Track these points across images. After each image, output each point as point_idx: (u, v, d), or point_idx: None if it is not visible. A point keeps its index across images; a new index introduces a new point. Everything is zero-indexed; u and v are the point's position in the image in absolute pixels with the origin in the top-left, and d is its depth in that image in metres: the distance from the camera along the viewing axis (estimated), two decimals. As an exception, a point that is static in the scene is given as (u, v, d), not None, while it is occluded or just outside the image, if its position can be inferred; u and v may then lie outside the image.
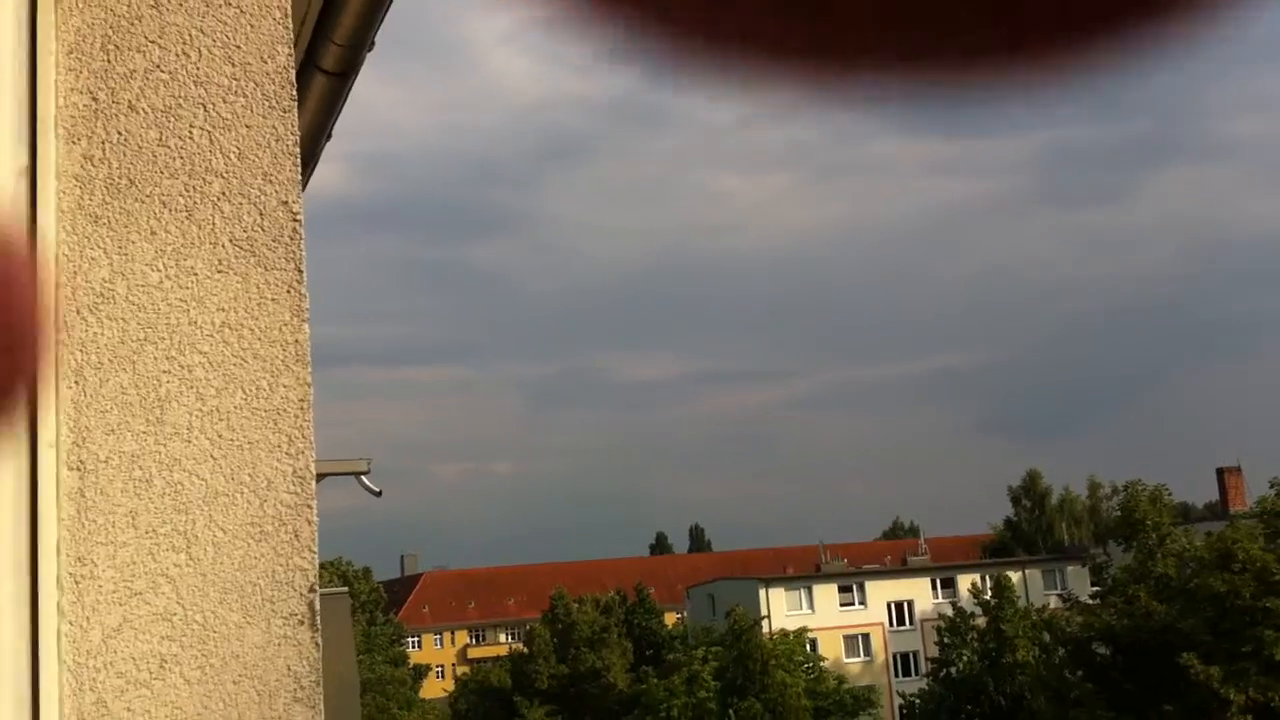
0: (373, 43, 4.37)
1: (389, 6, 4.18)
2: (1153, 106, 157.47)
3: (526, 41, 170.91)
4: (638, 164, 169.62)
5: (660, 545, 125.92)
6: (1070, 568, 56.75)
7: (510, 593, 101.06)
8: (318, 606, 2.53)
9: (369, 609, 71.82)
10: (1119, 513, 41.21)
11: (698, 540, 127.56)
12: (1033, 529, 78.56)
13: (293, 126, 2.66)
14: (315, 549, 2.55)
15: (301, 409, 2.57)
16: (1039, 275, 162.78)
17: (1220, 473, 62.11)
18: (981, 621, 44.32)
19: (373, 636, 66.35)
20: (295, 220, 2.62)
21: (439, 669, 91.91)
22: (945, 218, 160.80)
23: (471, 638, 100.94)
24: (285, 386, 2.56)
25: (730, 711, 50.17)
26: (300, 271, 2.61)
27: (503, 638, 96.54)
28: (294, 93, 2.68)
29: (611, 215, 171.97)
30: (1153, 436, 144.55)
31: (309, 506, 2.54)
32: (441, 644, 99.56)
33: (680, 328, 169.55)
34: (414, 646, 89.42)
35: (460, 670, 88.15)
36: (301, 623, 2.50)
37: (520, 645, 74.30)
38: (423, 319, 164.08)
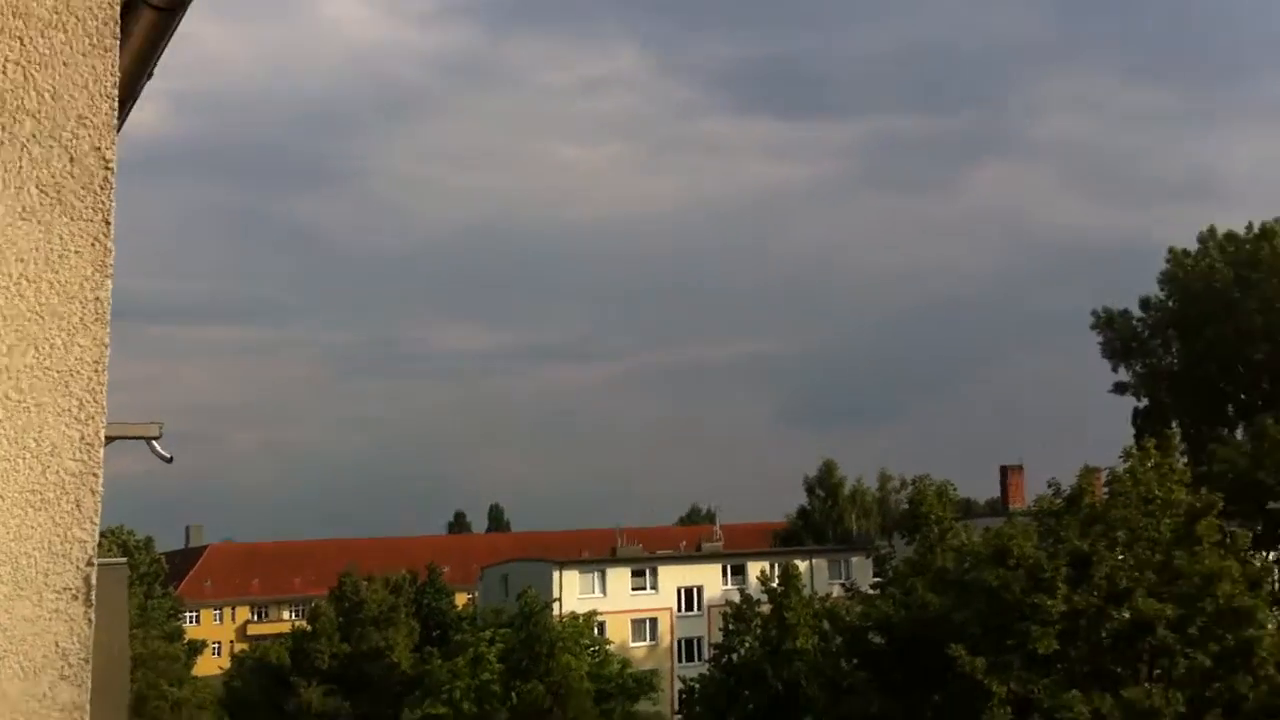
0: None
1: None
2: (974, 101, 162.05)
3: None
4: (473, 124, 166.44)
5: (458, 524, 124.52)
6: (855, 558, 57.74)
7: (298, 569, 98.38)
8: (94, 581, 2.43)
9: (147, 581, 69.20)
10: (906, 506, 41.81)
11: (497, 520, 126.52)
12: (824, 519, 79.95)
13: (113, 67, 2.55)
14: (97, 520, 2.44)
15: (96, 371, 2.44)
16: (856, 262, 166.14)
17: (1003, 470, 63.95)
18: (767, 609, 44.58)
19: (149, 610, 63.97)
20: (107, 169, 2.48)
21: (216, 646, 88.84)
22: (773, 198, 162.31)
23: (254, 614, 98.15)
24: (81, 346, 2.44)
25: (513, 694, 49.53)
26: (108, 224, 2.47)
27: (286, 615, 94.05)
28: (117, 30, 2.57)
29: (440, 175, 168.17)
30: (948, 431, 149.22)
31: (94, 475, 2.42)
32: (221, 620, 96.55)
33: (500, 298, 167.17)
34: (192, 622, 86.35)
35: (239, 647, 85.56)
36: (75, 597, 2.41)
37: (304, 623, 72.24)
38: (229, 275, 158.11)
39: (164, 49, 4.76)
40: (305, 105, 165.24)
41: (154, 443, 11.13)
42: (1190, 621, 28.95)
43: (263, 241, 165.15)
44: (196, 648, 71.04)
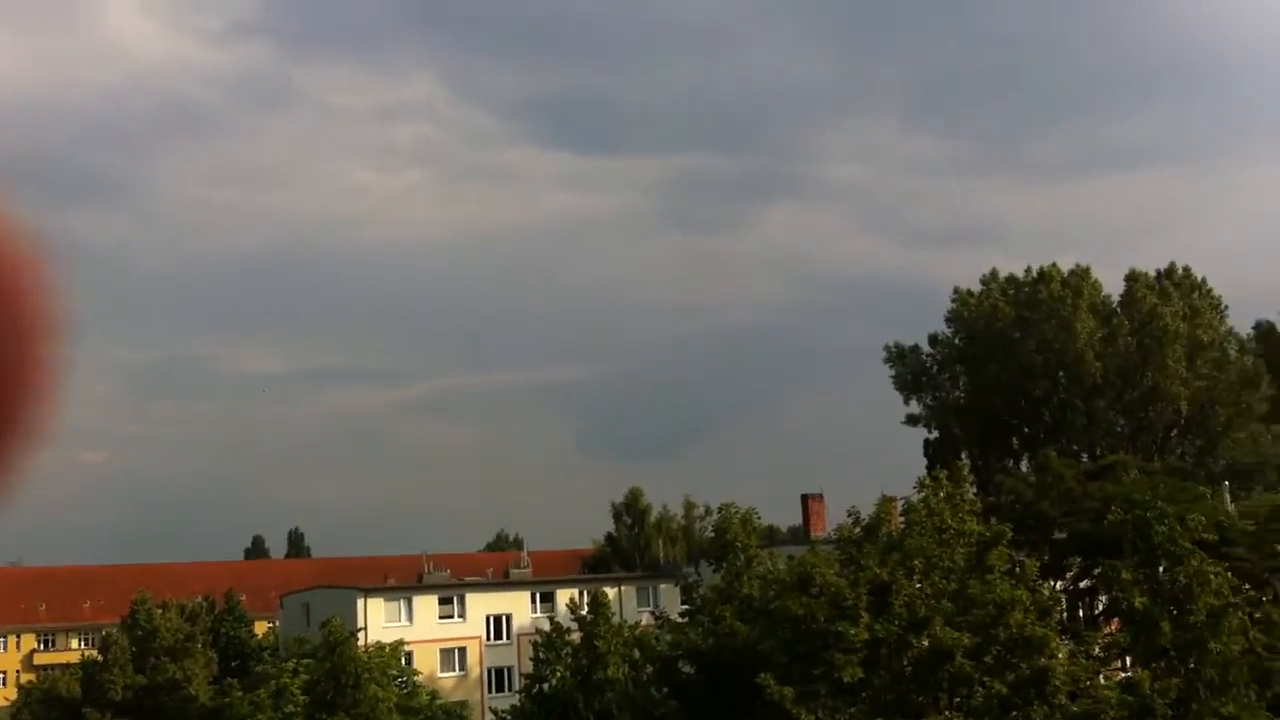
0: None
1: None
2: (768, 144, 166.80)
3: (154, 2, 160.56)
4: (264, 145, 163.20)
5: (256, 549, 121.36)
6: (664, 585, 58.64)
7: (87, 595, 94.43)
8: None
9: (-78, 610, 65.66)
10: (712, 533, 42.65)
11: (297, 545, 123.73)
12: (632, 545, 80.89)
13: None
14: None
15: None
16: (655, 296, 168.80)
17: (804, 498, 65.83)
18: (577, 637, 44.91)
19: (-76, 640, 60.66)
20: None
21: (0, 675, 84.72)
22: (571, 232, 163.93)
23: (40, 642, 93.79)
24: None
25: (318, 726, 48.69)
26: None
27: (75, 643, 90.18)
28: None
29: (230, 195, 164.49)
30: (748, 460, 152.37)
31: None
32: (5, 648, 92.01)
33: (297, 321, 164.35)
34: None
35: (25, 678, 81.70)
36: None
37: (94, 652, 69.49)
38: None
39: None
40: (86, 120, 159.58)
41: None
42: (986, 650, 30.26)
43: (48, 258, 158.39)
44: (-24, 681, 67.73)
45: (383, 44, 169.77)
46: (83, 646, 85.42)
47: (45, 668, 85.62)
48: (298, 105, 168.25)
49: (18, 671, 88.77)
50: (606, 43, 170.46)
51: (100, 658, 65.22)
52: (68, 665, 76.31)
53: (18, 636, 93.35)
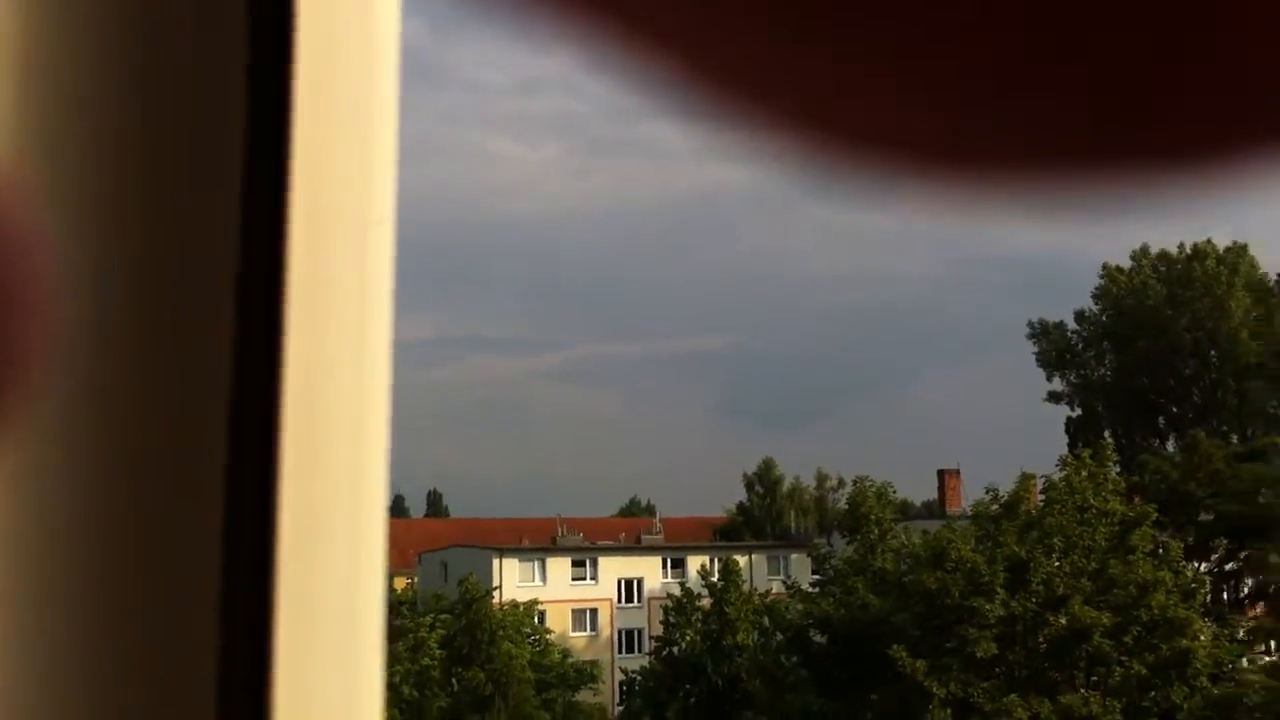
0: None
1: None
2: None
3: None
4: (407, 117, 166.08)
5: (396, 508, 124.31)
6: (795, 555, 58.53)
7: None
8: None
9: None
10: (845, 506, 42.51)
11: (435, 505, 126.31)
12: (764, 515, 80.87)
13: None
14: None
15: None
16: (794, 269, 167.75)
17: (941, 474, 65.05)
18: (707, 603, 45.16)
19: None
20: None
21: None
22: (713, 202, 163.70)
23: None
24: None
25: (454, 681, 49.79)
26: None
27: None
28: None
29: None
30: (882, 433, 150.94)
31: None
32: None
33: (441, 289, 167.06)
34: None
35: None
36: None
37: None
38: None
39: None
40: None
41: None
42: (1126, 630, 29.86)
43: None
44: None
45: (523, 17, 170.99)
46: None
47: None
48: (438, 78, 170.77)
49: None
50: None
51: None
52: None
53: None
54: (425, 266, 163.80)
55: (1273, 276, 66.17)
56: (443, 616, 52.76)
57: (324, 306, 1.08)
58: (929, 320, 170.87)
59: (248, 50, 0.97)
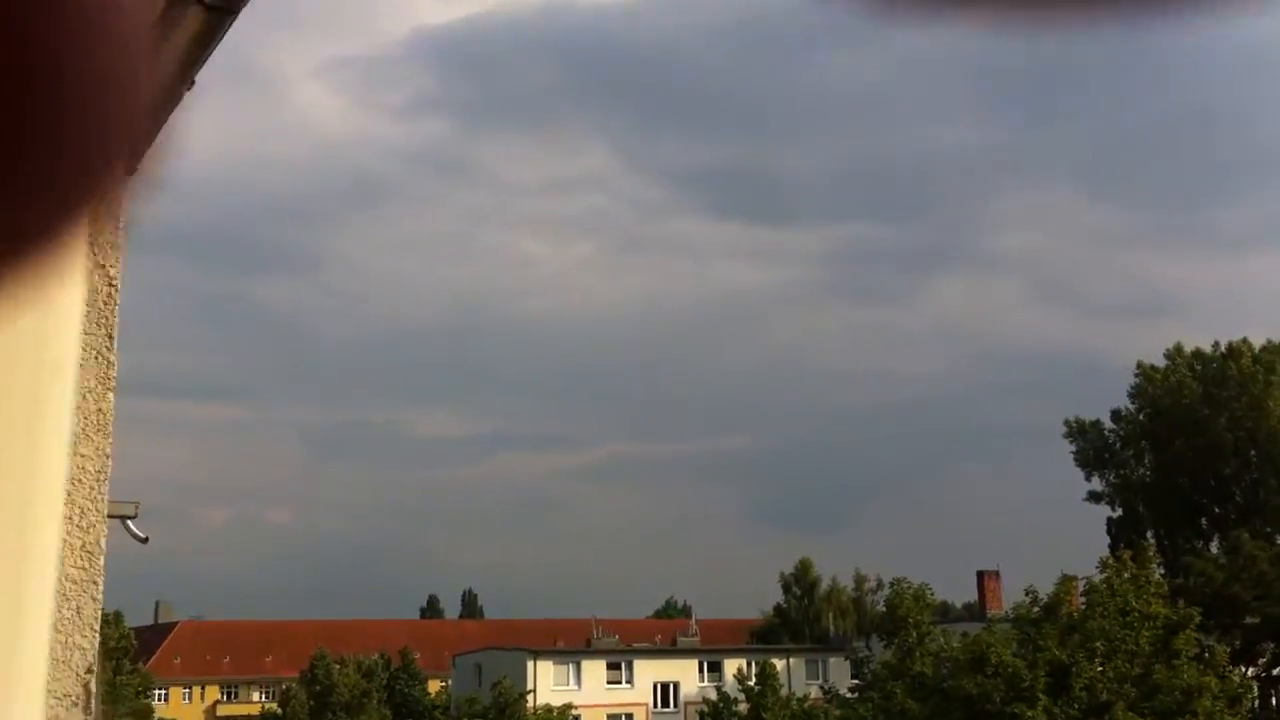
0: (193, 81, 4.03)
1: (213, 49, 3.90)
2: (938, 213, 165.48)
3: (340, 79, 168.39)
4: (441, 217, 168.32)
5: (431, 608, 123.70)
6: (833, 659, 57.87)
7: (269, 649, 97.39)
8: (94, 689, 2.31)
9: (116, 656, 68.48)
10: (883, 607, 42.05)
11: (470, 606, 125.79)
12: (800, 617, 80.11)
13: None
14: (97, 628, 2.33)
15: (98, 481, 2.38)
16: (824, 366, 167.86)
17: (980, 575, 64.38)
18: (744, 708, 44.64)
19: (118, 687, 63.31)
20: (111, 285, 2.47)
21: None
22: (741, 302, 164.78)
23: (223, 694, 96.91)
24: (83, 456, 2.36)
25: (487, 786, 49.25)
26: (111, 338, 2.44)
27: (256, 696, 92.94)
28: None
29: (410, 266, 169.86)
30: (920, 535, 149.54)
31: (95, 583, 2.33)
32: (190, 699, 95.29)
33: (472, 388, 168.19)
34: (161, 700, 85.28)
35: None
36: (75, 704, 2.27)
37: (274, 705, 71.55)
38: (201, 352, 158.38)
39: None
40: (274, 193, 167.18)
41: (129, 522, 10.55)
42: (1170, 737, 29.29)
43: (235, 323, 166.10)
44: (164, 728, 70.33)
45: (556, 116, 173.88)
46: (263, 700, 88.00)
47: (228, 719, 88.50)
48: (471, 178, 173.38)
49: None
50: (771, 112, 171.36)
51: (280, 711, 67.13)
52: (249, 717, 78.75)
53: (202, 688, 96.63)
54: (454, 366, 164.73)
55: (1312, 375, 65.73)
56: (476, 720, 52.36)
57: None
58: (957, 419, 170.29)
59: None
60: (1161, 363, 68.89)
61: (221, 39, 4.10)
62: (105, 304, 2.44)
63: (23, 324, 2.17)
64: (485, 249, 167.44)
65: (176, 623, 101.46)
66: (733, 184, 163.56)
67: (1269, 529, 61.15)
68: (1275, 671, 42.78)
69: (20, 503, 2.18)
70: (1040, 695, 30.63)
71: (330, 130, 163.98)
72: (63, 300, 2.26)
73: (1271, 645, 42.61)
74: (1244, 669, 39.08)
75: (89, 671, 2.29)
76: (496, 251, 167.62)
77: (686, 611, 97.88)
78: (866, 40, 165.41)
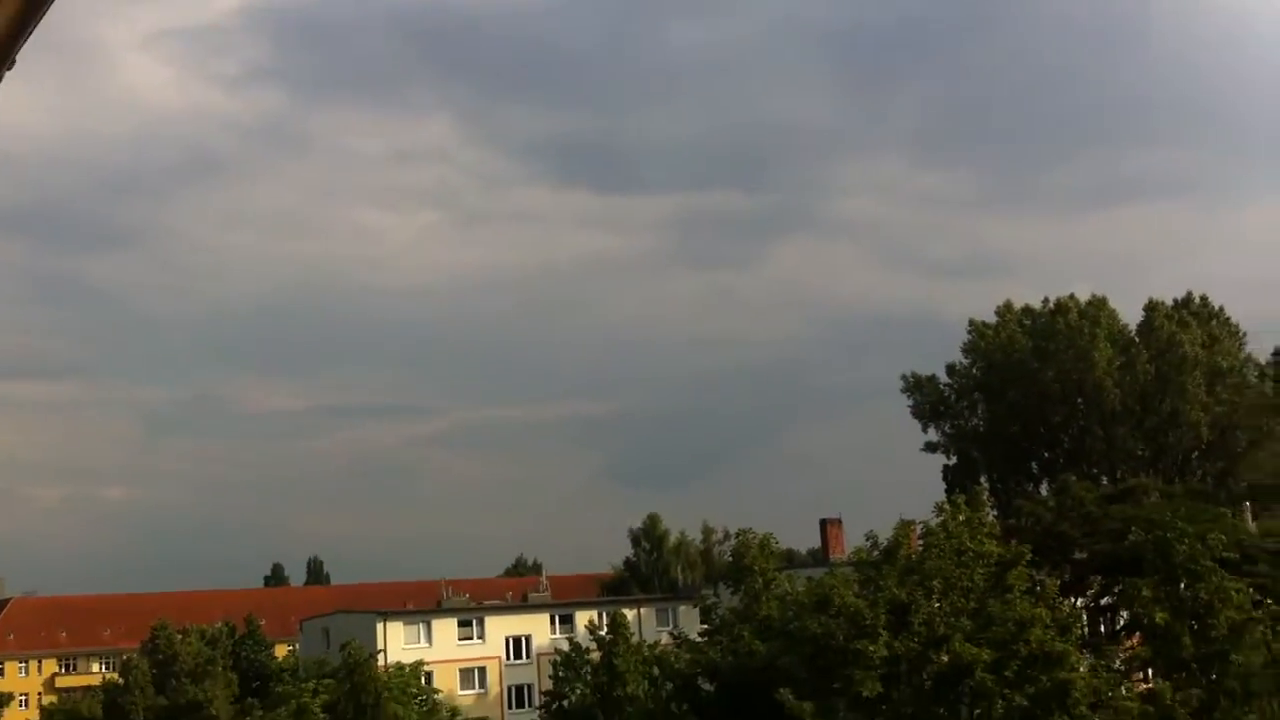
0: (13, 61, 4.00)
1: (34, 28, 3.87)
2: (784, 181, 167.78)
3: (169, 49, 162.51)
4: (281, 190, 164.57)
5: (276, 577, 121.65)
6: (682, 607, 58.70)
7: (108, 622, 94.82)
8: None
9: (-56, 633, 66.16)
10: (730, 558, 42.73)
11: (316, 573, 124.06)
12: (650, 570, 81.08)
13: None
14: None
15: None
16: (673, 331, 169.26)
17: (823, 523, 65.98)
18: (596, 656, 45.09)
19: (-54, 663, 61.17)
20: None
21: (23, 698, 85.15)
22: (591, 270, 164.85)
23: (61, 666, 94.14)
24: None
25: (339, 745, 48.91)
26: None
27: (96, 667, 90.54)
28: None
29: (246, 239, 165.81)
30: (766, 488, 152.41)
31: None
32: (27, 672, 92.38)
33: (316, 360, 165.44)
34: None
35: (48, 700, 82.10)
36: None
37: (115, 675, 69.75)
38: (24, 331, 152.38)
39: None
40: (104, 168, 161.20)
41: None
42: (1006, 665, 30.44)
43: (66, 301, 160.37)
44: (2, 700, 68.09)
45: (397, 87, 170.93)
46: (103, 671, 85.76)
47: (67, 690, 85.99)
48: (311, 150, 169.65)
49: (39, 694, 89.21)
50: (616, 81, 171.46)
51: (121, 680, 65.50)
52: (89, 688, 76.62)
53: (39, 661, 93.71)
54: (295, 339, 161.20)
55: (1132, 327, 68.68)
56: (325, 681, 51.87)
57: None
58: (801, 378, 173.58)
59: None
60: (993, 319, 71.25)
61: (43, 18, 4.00)
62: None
63: None
64: (326, 221, 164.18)
65: (9, 599, 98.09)
66: (579, 153, 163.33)
67: (1095, 471, 63.95)
68: (1103, 601, 44.78)
69: None
70: (882, 631, 31.50)
71: (161, 102, 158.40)
72: None
73: (1099, 578, 44.57)
74: (1074, 600, 40.71)
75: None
76: (338, 224, 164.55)
77: (537, 569, 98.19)
78: (713, 7, 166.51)
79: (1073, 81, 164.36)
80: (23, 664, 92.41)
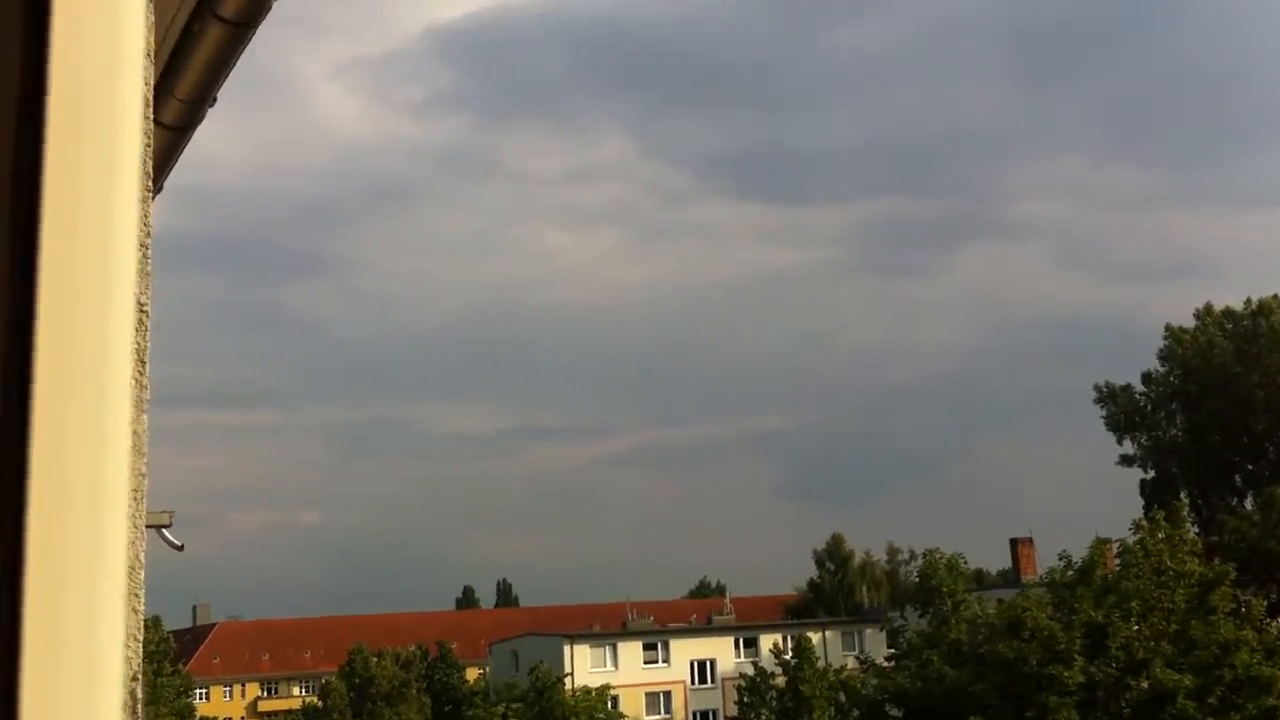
0: (215, 99, 4.02)
1: (235, 65, 3.86)
2: (960, 184, 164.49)
3: (356, 79, 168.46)
4: (463, 214, 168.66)
5: (467, 600, 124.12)
6: (868, 630, 57.76)
7: (307, 645, 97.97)
8: (140, 695, 2.16)
9: (156, 659, 69.03)
10: (917, 579, 41.95)
11: (505, 595, 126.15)
12: (834, 591, 79.98)
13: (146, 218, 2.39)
14: (140, 637, 2.19)
15: (135, 500, 2.26)
16: (852, 343, 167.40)
17: (1014, 542, 64.17)
18: (781, 681, 44.66)
19: (159, 688, 63.84)
20: (142, 312, 2.34)
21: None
22: (766, 283, 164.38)
23: (264, 690, 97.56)
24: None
25: (528, 769, 49.42)
26: (143, 363, 2.31)
27: (296, 691, 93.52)
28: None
29: (433, 264, 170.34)
30: (953, 505, 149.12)
31: (136, 595, 2.22)
32: (231, 696, 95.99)
33: (500, 381, 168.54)
34: (202, 699, 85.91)
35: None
36: (122, 709, 2.15)
37: (315, 699, 71.96)
38: (229, 361, 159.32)
39: (174, 166, 4.83)
40: (297, 200, 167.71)
41: (164, 531, 11.00)
42: (1210, 691, 29.19)
43: (267, 331, 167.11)
44: (207, 725, 70.87)
45: (570, 107, 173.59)
46: (303, 694, 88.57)
47: (269, 714, 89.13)
48: (492, 174, 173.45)
49: (243, 718, 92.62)
50: (784, 91, 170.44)
51: (320, 704, 67.51)
52: (290, 712, 79.27)
53: (242, 685, 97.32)
54: (480, 361, 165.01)
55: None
56: (515, 705, 52.52)
57: (72, 325, 1.14)
58: (986, 388, 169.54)
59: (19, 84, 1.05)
60: (1190, 324, 68.43)
61: (242, 53, 4.04)
62: (136, 330, 2.35)
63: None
64: (510, 243, 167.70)
65: (215, 624, 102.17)
66: (750, 164, 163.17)
67: (1304, 484, 60.77)
68: (1314, 624, 42.46)
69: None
70: (1077, 656, 30.56)
71: (348, 133, 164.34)
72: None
73: (1310, 598, 42.36)
74: (1282, 622, 38.77)
75: (134, 679, 2.24)
76: (520, 244, 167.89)
77: (721, 591, 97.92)
78: (876, 6, 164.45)
79: (1257, 73, 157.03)
80: (227, 688, 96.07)
